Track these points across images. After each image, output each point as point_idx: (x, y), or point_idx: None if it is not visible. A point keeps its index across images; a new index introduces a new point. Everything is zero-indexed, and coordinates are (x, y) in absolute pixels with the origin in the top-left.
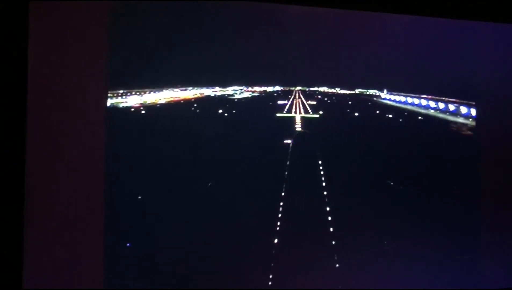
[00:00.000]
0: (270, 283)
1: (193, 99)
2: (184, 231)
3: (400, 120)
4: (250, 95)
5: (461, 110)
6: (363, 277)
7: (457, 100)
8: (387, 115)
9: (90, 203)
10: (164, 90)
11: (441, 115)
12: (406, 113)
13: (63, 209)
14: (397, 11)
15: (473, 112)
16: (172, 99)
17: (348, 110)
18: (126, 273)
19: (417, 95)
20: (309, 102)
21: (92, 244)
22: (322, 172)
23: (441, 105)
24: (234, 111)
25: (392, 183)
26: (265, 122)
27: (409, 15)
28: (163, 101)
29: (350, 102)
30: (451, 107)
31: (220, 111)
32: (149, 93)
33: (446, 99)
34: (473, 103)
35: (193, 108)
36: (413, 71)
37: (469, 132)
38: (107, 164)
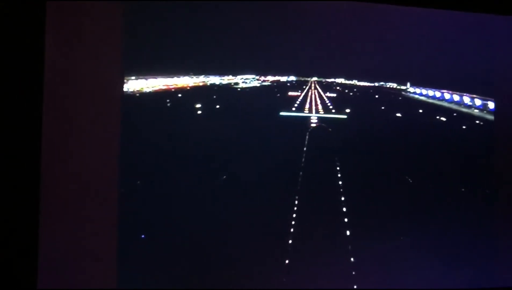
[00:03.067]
0: (284, 279)
1: (188, 87)
2: (198, 222)
3: (463, 126)
4: (259, 85)
5: (489, 105)
6: (378, 273)
7: (478, 96)
8: (438, 117)
9: (104, 195)
10: (174, 77)
11: (475, 113)
12: (455, 114)
13: (77, 201)
14: (419, 5)
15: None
16: (166, 87)
17: (382, 108)
18: (140, 264)
19: (437, 89)
20: (328, 94)
21: (106, 236)
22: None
23: (478, 102)
24: (218, 106)
25: (410, 180)
26: (261, 123)
27: (430, 9)
28: (149, 90)
29: (376, 96)
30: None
31: (198, 105)
32: (136, 79)
33: (476, 96)
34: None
35: (168, 100)
36: (432, 65)
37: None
38: (122, 156)
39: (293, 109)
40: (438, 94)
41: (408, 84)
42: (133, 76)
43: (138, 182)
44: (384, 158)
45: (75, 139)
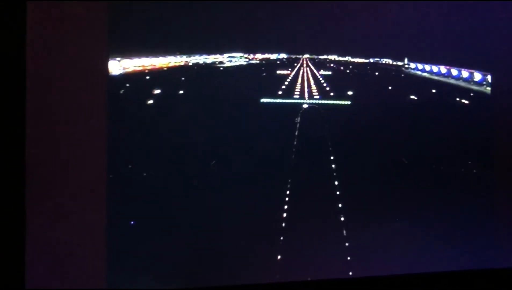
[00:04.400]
0: (277, 269)
1: (165, 68)
2: (188, 209)
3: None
4: (245, 63)
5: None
6: (373, 259)
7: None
8: (458, 99)
9: (92, 181)
10: (160, 57)
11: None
12: (472, 94)
13: (64, 188)
14: None
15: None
16: (142, 68)
17: (390, 88)
18: (129, 253)
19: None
20: (322, 72)
21: (95, 223)
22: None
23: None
24: (181, 92)
25: (406, 161)
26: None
27: None
28: (119, 72)
29: (377, 73)
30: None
31: (158, 91)
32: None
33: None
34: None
35: (125, 84)
36: (427, 38)
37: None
38: (109, 142)
39: (280, 93)
40: (443, 69)
41: (406, 59)
42: (117, 56)
43: (129, 166)
44: (393, 147)
45: (61, 125)
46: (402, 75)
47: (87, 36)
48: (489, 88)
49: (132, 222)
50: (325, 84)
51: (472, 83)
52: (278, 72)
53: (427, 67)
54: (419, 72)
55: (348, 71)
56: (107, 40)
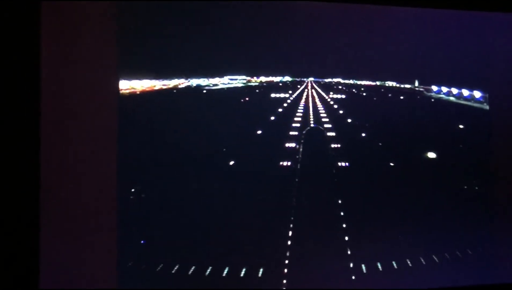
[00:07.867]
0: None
1: (137, 92)
2: (196, 225)
3: None
4: (241, 85)
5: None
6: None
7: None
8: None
9: (103, 199)
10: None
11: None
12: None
13: (76, 205)
14: (410, 4)
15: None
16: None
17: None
18: (139, 270)
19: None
20: (332, 95)
21: (106, 240)
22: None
23: None
24: (178, 115)
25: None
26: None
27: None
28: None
29: (402, 97)
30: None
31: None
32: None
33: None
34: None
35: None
36: (432, 61)
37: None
38: (119, 159)
39: (280, 110)
40: (477, 94)
41: (416, 82)
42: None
43: (136, 188)
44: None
45: (73, 142)
46: (432, 100)
47: (97, 56)
48: None
49: (142, 241)
50: (348, 120)
51: None
52: (273, 95)
53: (455, 91)
54: (444, 96)
55: (364, 94)
56: (117, 63)
